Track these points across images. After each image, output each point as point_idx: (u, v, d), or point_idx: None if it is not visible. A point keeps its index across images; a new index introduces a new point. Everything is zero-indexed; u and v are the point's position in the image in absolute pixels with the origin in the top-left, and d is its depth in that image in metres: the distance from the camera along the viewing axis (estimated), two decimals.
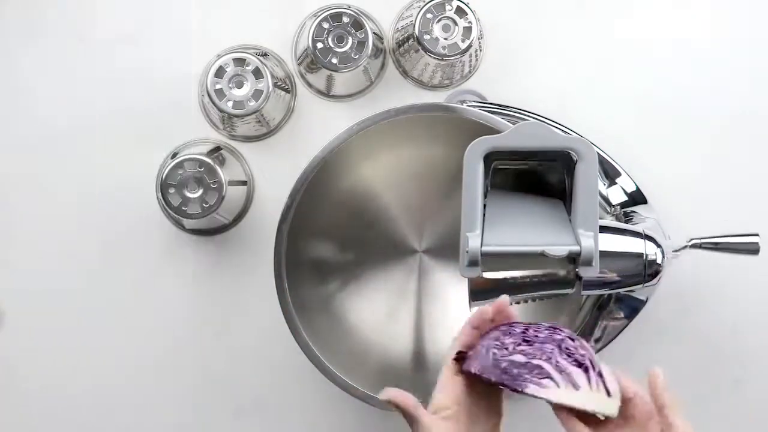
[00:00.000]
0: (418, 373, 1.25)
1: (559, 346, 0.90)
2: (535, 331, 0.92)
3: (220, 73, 1.19)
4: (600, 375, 0.90)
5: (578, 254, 0.97)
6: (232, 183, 1.21)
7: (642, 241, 1.12)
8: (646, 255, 1.11)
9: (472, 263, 0.98)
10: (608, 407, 0.90)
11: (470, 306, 1.24)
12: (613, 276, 1.11)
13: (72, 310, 1.28)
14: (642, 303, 1.22)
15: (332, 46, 1.21)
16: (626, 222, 1.20)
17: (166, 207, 1.20)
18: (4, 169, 1.28)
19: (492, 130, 1.12)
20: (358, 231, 1.26)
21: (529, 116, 1.24)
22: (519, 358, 0.90)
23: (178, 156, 1.20)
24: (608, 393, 0.90)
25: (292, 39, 1.29)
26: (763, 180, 1.29)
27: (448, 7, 1.20)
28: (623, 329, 1.23)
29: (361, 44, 1.21)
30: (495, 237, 0.99)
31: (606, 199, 1.22)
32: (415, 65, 1.26)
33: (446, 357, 0.95)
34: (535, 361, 0.89)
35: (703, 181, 1.29)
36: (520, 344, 0.90)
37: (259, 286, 1.25)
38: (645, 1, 1.30)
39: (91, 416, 1.29)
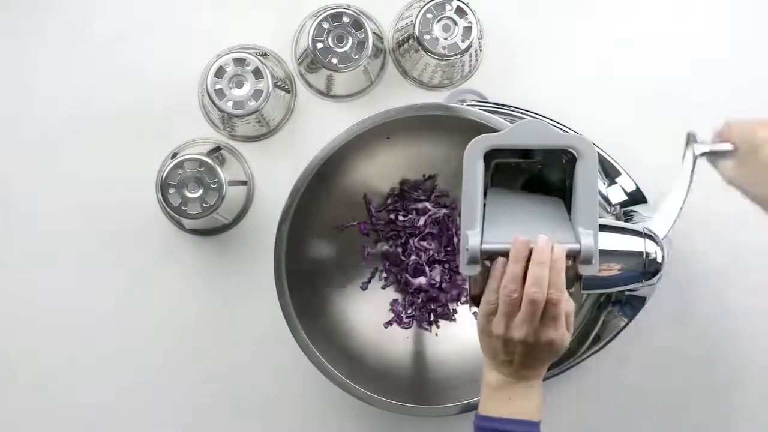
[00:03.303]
0: (418, 373, 1.25)
1: None
2: None
3: (220, 73, 1.19)
4: None
5: (578, 253, 0.97)
6: (232, 183, 1.21)
7: (642, 239, 1.11)
8: (646, 253, 1.11)
9: (472, 261, 0.98)
10: None
11: (470, 307, 1.24)
12: (612, 274, 1.11)
13: (71, 309, 1.28)
14: (642, 302, 1.22)
15: (332, 46, 1.21)
16: (626, 221, 1.20)
17: (166, 207, 1.20)
18: (4, 169, 1.28)
19: (492, 130, 1.12)
20: (358, 231, 1.26)
21: (529, 116, 1.24)
22: None
23: (178, 156, 1.20)
24: None
25: (292, 39, 1.29)
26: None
27: (448, 7, 1.20)
28: (623, 328, 1.23)
29: (361, 44, 1.21)
30: (495, 235, 0.99)
31: (606, 199, 1.22)
32: (415, 65, 1.26)
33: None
34: None
35: (703, 180, 1.29)
36: None
37: (259, 286, 1.25)
38: (645, 1, 1.30)
39: (91, 416, 1.29)
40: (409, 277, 1.26)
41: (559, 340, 0.97)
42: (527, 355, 0.97)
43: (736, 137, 1.07)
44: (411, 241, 1.26)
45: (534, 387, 0.99)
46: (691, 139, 1.10)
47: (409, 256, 1.26)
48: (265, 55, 1.27)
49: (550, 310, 0.96)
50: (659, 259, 1.12)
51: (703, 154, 1.09)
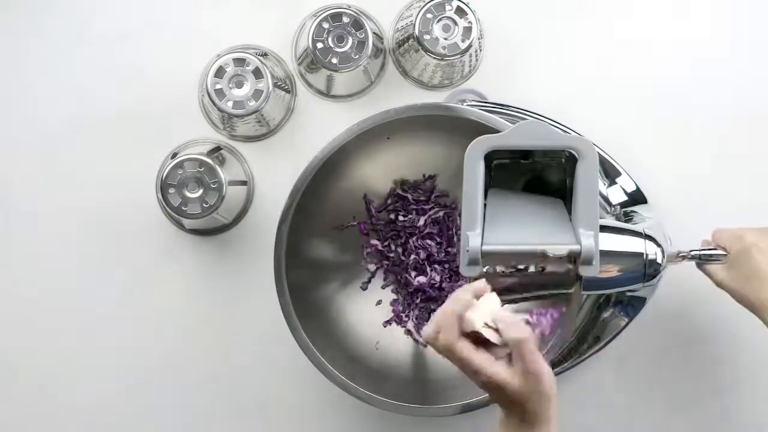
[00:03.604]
0: (418, 373, 1.25)
1: None
2: None
3: (220, 73, 1.19)
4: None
5: (578, 253, 0.97)
6: (232, 183, 1.21)
7: (642, 240, 1.12)
8: (647, 254, 1.11)
9: (473, 262, 0.98)
10: None
11: None
12: (613, 275, 1.11)
13: (71, 310, 1.28)
14: (642, 303, 1.22)
15: (332, 46, 1.21)
16: (626, 222, 1.20)
17: (166, 207, 1.20)
18: (4, 169, 1.28)
19: (492, 130, 1.12)
20: (358, 231, 1.26)
21: (529, 116, 1.24)
22: None
23: (178, 156, 1.20)
24: None
25: (292, 39, 1.29)
26: (763, 179, 1.29)
27: (448, 7, 1.20)
28: (623, 329, 1.23)
29: (361, 44, 1.21)
30: (495, 236, 0.99)
31: (606, 199, 1.22)
32: (415, 65, 1.26)
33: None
34: None
35: (703, 180, 1.29)
36: None
37: (259, 286, 1.25)
38: (645, 1, 1.30)
39: (91, 416, 1.29)
40: (409, 277, 1.26)
41: (499, 388, 0.91)
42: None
43: (726, 242, 1.13)
44: (411, 241, 1.26)
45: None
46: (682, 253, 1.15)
47: (409, 256, 1.26)
48: (265, 55, 1.27)
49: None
50: (659, 260, 1.12)
51: (695, 258, 1.14)
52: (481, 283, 0.94)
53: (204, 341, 1.29)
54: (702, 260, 1.14)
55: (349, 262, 1.27)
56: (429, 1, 1.20)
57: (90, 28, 1.28)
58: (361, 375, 1.19)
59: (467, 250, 0.98)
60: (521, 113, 1.24)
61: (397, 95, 1.29)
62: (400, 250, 1.26)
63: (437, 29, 1.20)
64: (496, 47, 1.29)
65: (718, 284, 1.14)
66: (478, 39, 1.22)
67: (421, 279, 1.25)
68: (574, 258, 0.98)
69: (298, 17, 1.28)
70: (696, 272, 1.16)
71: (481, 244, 0.98)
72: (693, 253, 1.14)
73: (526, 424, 0.92)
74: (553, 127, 1.03)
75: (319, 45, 1.21)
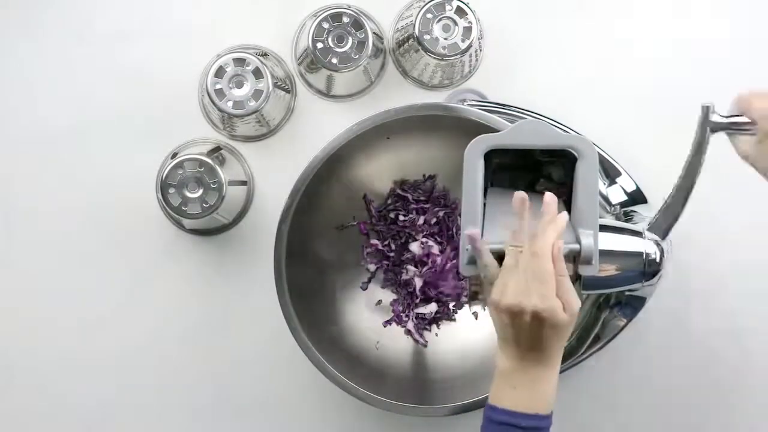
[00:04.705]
0: (418, 373, 1.25)
1: None
2: None
3: (220, 73, 1.19)
4: None
5: (578, 253, 0.97)
6: (232, 183, 1.21)
7: (642, 240, 1.12)
8: (646, 254, 1.11)
9: (472, 261, 0.98)
10: None
11: (470, 306, 1.25)
12: (612, 275, 1.11)
13: (71, 309, 1.28)
14: (642, 303, 1.22)
15: (332, 46, 1.21)
16: (626, 221, 1.20)
17: (166, 207, 1.20)
18: (4, 169, 1.28)
19: (492, 130, 1.12)
20: (358, 231, 1.26)
21: (529, 115, 1.24)
22: None
23: (178, 156, 1.20)
24: None
25: (292, 39, 1.29)
26: (762, 179, 1.29)
27: (448, 7, 1.20)
28: (623, 328, 1.23)
29: (361, 44, 1.21)
30: (495, 235, 0.99)
31: (606, 199, 1.22)
32: (415, 65, 1.26)
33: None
34: None
35: (702, 180, 1.29)
36: None
37: (259, 286, 1.25)
38: (645, 1, 1.30)
39: (91, 416, 1.29)
40: (409, 277, 1.26)
41: (548, 311, 0.93)
42: (522, 328, 0.94)
43: (756, 113, 1.03)
44: (411, 241, 1.26)
45: (542, 378, 0.96)
46: (707, 112, 1.06)
47: (409, 256, 1.26)
48: (265, 55, 1.27)
49: (533, 265, 0.93)
50: (659, 260, 1.12)
51: (718, 128, 1.05)
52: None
53: (204, 341, 1.29)
54: (731, 130, 1.06)
55: (349, 262, 1.27)
56: (429, 1, 1.20)
57: (90, 28, 1.28)
58: (361, 375, 1.19)
59: (467, 249, 0.98)
60: (521, 113, 1.24)
61: (397, 95, 1.29)
62: (400, 250, 1.26)
63: (437, 29, 1.20)
64: (496, 47, 1.29)
65: (742, 156, 1.06)
66: (478, 39, 1.22)
67: (421, 279, 1.25)
68: (573, 257, 0.98)
69: (298, 17, 1.28)
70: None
71: None
72: (713, 121, 1.06)
73: (538, 366, 0.96)
74: (553, 127, 1.03)
75: (319, 45, 1.21)
